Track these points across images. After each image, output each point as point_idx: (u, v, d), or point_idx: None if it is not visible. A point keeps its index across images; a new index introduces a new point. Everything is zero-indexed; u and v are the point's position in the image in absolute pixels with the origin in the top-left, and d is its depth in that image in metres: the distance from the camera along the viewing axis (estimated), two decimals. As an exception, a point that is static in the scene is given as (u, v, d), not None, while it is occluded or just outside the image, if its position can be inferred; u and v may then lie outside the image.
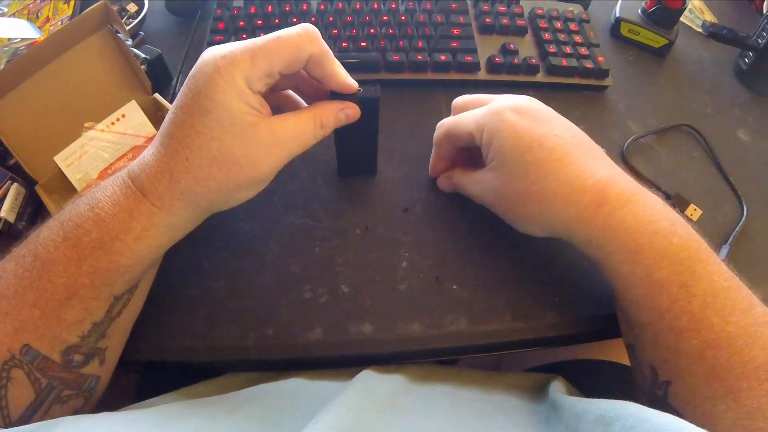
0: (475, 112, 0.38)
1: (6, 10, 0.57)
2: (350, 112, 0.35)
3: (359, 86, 0.35)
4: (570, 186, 0.33)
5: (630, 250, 0.31)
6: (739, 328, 0.29)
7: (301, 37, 0.30)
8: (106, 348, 0.33)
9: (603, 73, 0.53)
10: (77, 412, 0.33)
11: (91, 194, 0.30)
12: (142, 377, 0.51)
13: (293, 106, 0.38)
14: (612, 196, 0.32)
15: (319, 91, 0.37)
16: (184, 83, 0.31)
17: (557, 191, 0.33)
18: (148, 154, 0.31)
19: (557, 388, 0.37)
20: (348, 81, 0.34)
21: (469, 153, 0.42)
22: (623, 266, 0.32)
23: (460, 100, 0.42)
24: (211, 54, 0.30)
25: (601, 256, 0.33)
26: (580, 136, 0.36)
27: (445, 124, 0.40)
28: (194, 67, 0.30)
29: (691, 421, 0.28)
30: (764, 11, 0.64)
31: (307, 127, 0.33)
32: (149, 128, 0.46)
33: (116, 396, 0.36)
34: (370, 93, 0.35)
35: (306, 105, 0.38)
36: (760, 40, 0.54)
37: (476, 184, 0.39)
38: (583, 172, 0.33)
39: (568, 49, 0.54)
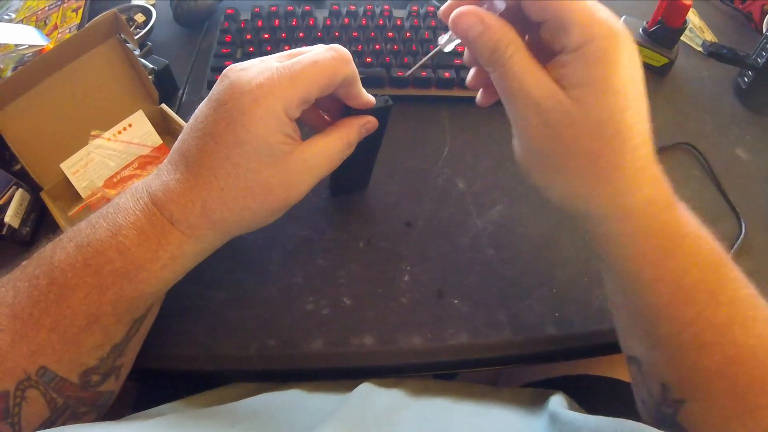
0: (590, 4, 0.27)
1: (14, 16, 0.58)
2: (370, 125, 0.35)
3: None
4: (643, 161, 0.28)
5: (659, 255, 0.28)
6: (761, 341, 0.28)
7: (337, 61, 0.29)
8: (122, 365, 0.33)
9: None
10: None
11: (111, 217, 0.29)
12: (141, 384, 0.51)
13: (312, 119, 0.37)
14: (662, 197, 0.29)
15: (332, 99, 0.35)
16: (209, 105, 0.29)
17: (636, 156, 0.27)
18: (170, 178, 0.29)
19: (558, 402, 0.37)
20: (370, 98, 0.34)
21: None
22: (646, 270, 0.29)
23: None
24: (244, 79, 0.28)
25: (622, 257, 0.30)
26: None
27: None
28: (221, 90, 0.29)
29: None
30: (764, 30, 0.64)
31: (336, 149, 0.32)
32: (155, 138, 0.47)
33: (114, 402, 0.36)
34: (382, 103, 0.35)
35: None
36: (759, 59, 0.55)
37: (536, 84, 0.27)
38: (652, 162, 0.28)
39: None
